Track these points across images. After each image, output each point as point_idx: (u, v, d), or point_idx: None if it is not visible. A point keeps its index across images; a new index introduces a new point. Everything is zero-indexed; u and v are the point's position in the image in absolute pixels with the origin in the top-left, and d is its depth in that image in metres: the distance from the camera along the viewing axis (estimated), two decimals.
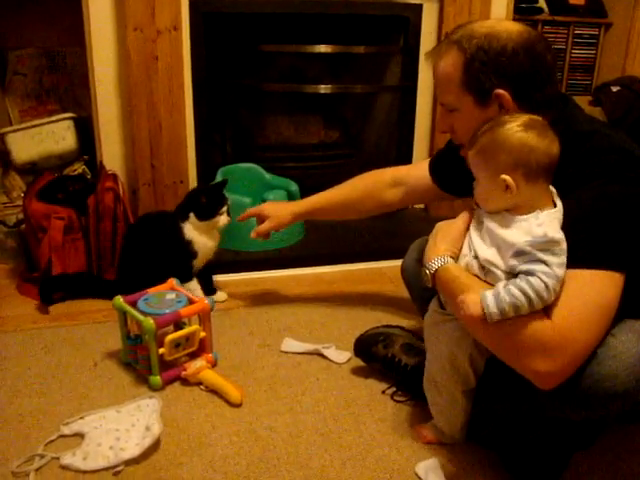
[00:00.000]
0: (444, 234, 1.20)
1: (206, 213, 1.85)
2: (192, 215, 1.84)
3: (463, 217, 1.21)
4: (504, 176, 1.05)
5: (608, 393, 1.02)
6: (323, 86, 2.59)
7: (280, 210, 1.80)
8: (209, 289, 1.98)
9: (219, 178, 2.32)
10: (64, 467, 1.23)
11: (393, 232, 2.51)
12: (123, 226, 2.07)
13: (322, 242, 2.43)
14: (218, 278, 2.06)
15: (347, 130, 2.98)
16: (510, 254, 1.04)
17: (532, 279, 1.01)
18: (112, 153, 2.36)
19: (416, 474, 1.24)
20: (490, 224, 1.11)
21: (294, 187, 2.37)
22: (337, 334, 1.78)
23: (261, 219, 1.81)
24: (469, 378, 1.23)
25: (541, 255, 1.01)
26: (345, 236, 2.47)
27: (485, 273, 1.09)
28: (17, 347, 1.68)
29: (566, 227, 1.05)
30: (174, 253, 1.86)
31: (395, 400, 1.48)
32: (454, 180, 1.54)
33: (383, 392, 1.51)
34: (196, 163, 2.43)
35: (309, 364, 1.64)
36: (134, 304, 1.55)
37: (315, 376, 1.58)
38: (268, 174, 2.48)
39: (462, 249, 1.16)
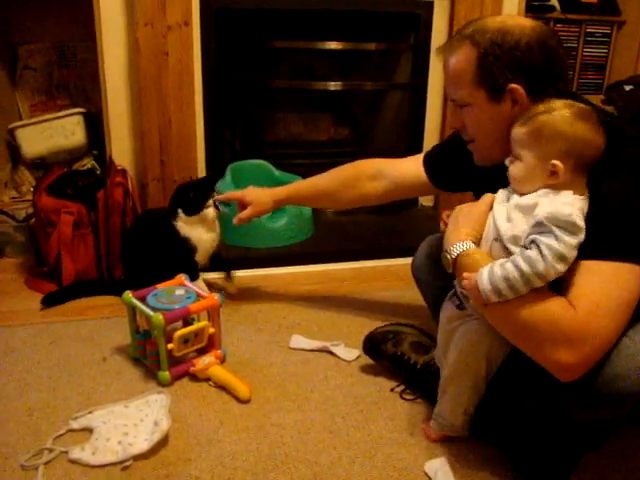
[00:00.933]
0: (465, 217, 1.18)
1: (192, 208, 1.85)
2: (180, 212, 1.85)
3: (486, 200, 1.19)
4: (556, 162, 1.05)
5: (620, 393, 1.01)
6: (333, 83, 2.58)
7: (262, 197, 1.80)
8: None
9: (228, 174, 2.33)
10: (73, 461, 1.23)
11: (402, 230, 2.51)
12: (132, 221, 2.08)
13: (331, 239, 2.42)
14: None
15: (356, 127, 2.97)
16: (532, 224, 1.04)
17: (530, 252, 1.01)
18: (121, 148, 2.36)
19: (425, 473, 1.23)
20: (518, 199, 1.10)
21: None
22: (346, 331, 1.77)
23: (243, 206, 1.82)
24: (481, 376, 1.22)
25: (555, 229, 1.00)
26: (354, 233, 2.47)
27: (507, 255, 1.08)
28: (26, 341, 1.69)
29: (589, 218, 1.03)
30: (174, 251, 1.86)
31: (404, 398, 1.47)
32: (452, 176, 1.53)
33: (392, 390, 1.50)
34: (205, 159, 2.42)
35: (318, 361, 1.63)
36: (143, 299, 1.55)
37: (324, 373, 1.58)
38: (277, 170, 2.48)
39: (483, 233, 1.15)
